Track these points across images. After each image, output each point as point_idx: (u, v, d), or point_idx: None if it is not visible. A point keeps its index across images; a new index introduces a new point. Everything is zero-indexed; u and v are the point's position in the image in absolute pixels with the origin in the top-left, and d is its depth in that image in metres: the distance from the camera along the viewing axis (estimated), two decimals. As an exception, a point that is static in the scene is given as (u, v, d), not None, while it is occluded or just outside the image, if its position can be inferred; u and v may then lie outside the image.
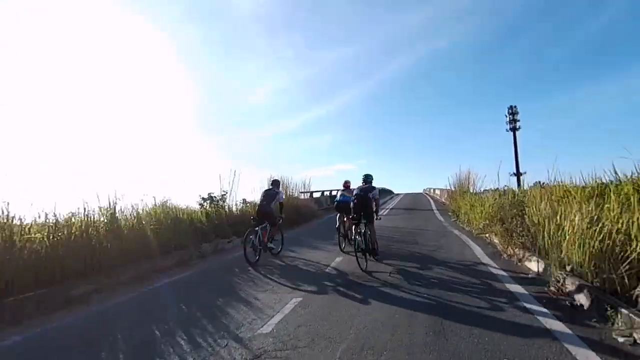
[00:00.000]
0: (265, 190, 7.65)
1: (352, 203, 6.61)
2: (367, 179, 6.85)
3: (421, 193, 41.37)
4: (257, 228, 6.90)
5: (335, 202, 8.15)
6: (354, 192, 6.80)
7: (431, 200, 26.42)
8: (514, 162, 45.00)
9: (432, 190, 36.90)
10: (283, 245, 7.82)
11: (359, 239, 6.05)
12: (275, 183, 8.01)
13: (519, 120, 42.64)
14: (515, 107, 42.87)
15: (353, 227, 6.44)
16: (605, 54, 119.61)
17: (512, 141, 43.94)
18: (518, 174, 45.84)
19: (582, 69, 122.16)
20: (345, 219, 7.79)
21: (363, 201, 6.43)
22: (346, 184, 8.63)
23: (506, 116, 43.30)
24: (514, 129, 42.67)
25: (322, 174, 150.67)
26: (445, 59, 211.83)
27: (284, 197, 7.99)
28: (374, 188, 6.71)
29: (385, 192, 38.05)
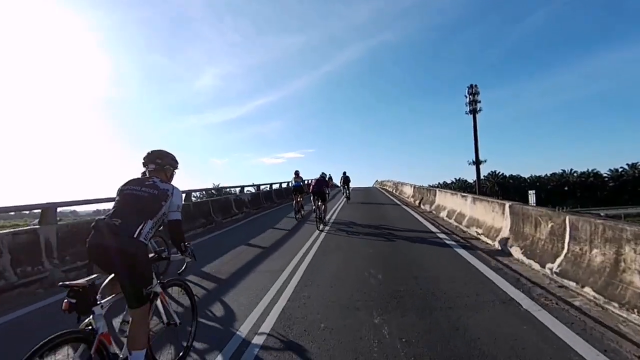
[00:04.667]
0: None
1: (341, 181, 19.55)
2: (345, 173, 18.99)
3: (373, 187, 34.25)
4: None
5: (292, 187, 11.96)
6: (342, 177, 19.25)
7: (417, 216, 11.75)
8: (474, 148, 41.11)
9: (391, 185, 26.64)
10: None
11: (347, 192, 18.01)
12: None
13: (479, 102, 38.58)
14: (475, 86, 38.49)
15: (343, 189, 19.11)
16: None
17: (472, 125, 40.06)
18: (477, 163, 41.73)
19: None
20: (299, 199, 11.08)
21: (347, 180, 18.60)
22: (297, 173, 12.17)
23: (466, 97, 39.15)
24: (473, 111, 38.64)
25: (272, 162, 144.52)
26: (393, 52, 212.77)
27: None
28: (348, 176, 18.71)
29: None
